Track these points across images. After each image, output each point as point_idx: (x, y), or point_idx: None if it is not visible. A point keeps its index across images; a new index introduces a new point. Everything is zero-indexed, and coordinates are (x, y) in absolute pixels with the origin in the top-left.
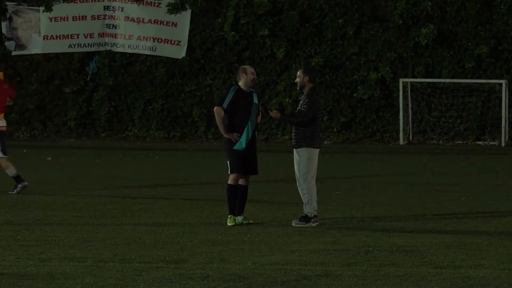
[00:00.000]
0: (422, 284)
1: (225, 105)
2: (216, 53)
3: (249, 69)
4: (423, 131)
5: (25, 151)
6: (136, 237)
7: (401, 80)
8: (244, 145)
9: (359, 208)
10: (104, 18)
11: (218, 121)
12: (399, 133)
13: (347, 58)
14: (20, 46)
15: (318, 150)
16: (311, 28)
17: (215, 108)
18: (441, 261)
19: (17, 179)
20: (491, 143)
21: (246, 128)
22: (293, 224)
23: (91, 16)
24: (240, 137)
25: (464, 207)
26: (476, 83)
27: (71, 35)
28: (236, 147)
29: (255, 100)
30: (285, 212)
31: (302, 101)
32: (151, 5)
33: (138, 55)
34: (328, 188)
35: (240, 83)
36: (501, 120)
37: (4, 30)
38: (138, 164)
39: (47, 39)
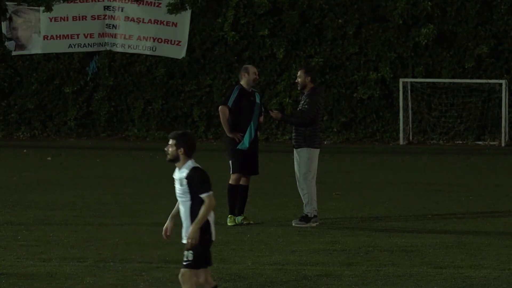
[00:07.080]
0: (422, 284)
1: (230, 104)
2: (216, 53)
3: (251, 68)
4: (423, 131)
5: (25, 151)
6: (136, 237)
7: (401, 80)
8: (247, 145)
9: (359, 208)
10: (104, 18)
11: (223, 120)
12: (399, 133)
13: (347, 58)
14: (20, 46)
15: (318, 150)
16: (311, 28)
17: (220, 107)
18: (441, 261)
19: None
20: (491, 143)
21: (249, 127)
22: (293, 224)
23: (91, 16)
24: (243, 137)
25: (464, 207)
26: (476, 83)
27: (71, 35)
28: (239, 146)
29: (258, 100)
30: (285, 212)
31: (303, 101)
32: (151, 5)
33: (138, 55)
34: (328, 188)
35: (242, 83)
36: (501, 120)
37: (4, 30)
38: (138, 164)
39: (47, 39)
